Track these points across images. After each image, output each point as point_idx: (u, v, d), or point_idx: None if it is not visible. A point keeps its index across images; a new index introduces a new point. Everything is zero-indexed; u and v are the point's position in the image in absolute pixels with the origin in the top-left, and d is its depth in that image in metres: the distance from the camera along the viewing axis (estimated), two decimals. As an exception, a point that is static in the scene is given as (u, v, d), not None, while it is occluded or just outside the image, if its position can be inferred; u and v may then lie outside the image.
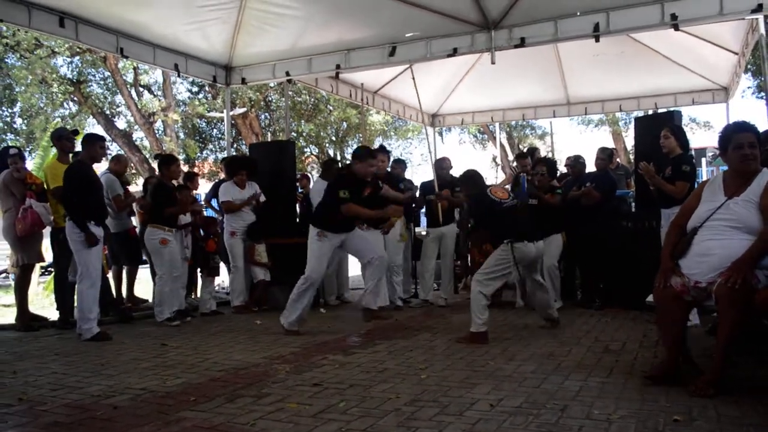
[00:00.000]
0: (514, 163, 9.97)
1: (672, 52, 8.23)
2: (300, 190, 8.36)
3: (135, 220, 7.38)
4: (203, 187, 12.84)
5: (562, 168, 7.70)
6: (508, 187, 6.54)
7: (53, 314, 6.23)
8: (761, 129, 3.59)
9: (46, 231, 6.06)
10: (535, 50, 7.46)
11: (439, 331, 5.24)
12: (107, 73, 15.55)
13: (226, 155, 9.11)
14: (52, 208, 5.83)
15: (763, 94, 8.22)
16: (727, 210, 3.24)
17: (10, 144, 13.36)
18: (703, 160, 18.96)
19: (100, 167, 6.55)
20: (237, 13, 6.93)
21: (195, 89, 18.49)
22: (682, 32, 6.67)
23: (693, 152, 8.88)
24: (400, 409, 3.00)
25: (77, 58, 14.74)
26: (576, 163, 6.72)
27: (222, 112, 12.88)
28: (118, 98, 16.34)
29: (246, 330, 5.62)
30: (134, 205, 7.00)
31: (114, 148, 15.57)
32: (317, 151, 21.23)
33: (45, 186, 5.92)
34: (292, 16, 6.88)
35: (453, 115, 11.20)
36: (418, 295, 7.37)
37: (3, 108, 16.42)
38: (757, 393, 3.11)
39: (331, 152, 21.27)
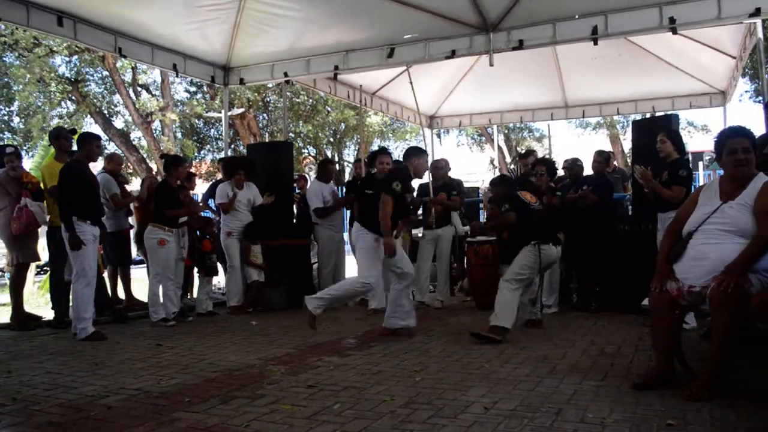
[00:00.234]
0: (512, 166, 9.97)
1: (670, 55, 8.25)
2: (297, 191, 8.35)
3: (132, 220, 7.36)
4: (200, 188, 12.82)
5: (559, 171, 7.69)
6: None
7: (48, 313, 6.23)
8: (758, 133, 3.60)
9: (43, 230, 6.05)
10: (533, 53, 7.48)
11: (435, 334, 5.24)
12: (105, 73, 15.57)
13: (223, 155, 9.10)
14: (49, 208, 5.83)
15: (760, 97, 8.22)
16: (722, 214, 3.25)
17: (7, 143, 13.36)
18: (701, 163, 18.96)
19: (97, 166, 6.54)
20: (236, 13, 6.93)
21: (193, 89, 18.53)
22: (680, 36, 6.68)
23: (690, 156, 8.90)
24: (394, 412, 3.00)
25: (75, 57, 14.74)
26: (573, 165, 6.73)
27: (220, 112, 12.87)
28: (116, 98, 16.36)
29: (241, 331, 5.62)
30: (131, 204, 6.99)
31: (111, 148, 15.58)
32: (315, 152, 21.25)
33: (42, 185, 5.92)
34: (290, 17, 6.88)
35: (451, 117, 11.20)
36: (414, 297, 7.34)
37: (1, 106, 16.42)
38: (752, 397, 3.11)
39: (328, 153, 21.29)
